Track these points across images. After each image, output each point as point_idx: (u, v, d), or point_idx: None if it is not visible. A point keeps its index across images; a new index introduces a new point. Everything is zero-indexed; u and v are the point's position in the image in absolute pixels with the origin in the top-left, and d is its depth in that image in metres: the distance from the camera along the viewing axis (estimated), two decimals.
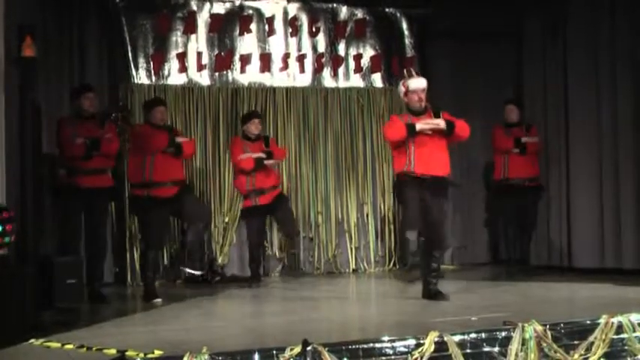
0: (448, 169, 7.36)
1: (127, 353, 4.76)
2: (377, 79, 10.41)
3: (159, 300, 7.68)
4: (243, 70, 9.85)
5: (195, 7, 9.70)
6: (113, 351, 4.90)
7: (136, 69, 9.44)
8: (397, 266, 10.19)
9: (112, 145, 8.00)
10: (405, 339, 5.16)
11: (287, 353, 4.83)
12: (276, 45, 10.01)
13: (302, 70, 10.10)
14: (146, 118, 8.19)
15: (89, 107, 7.95)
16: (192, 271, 7.92)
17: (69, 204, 7.83)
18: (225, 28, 9.81)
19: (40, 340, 5.44)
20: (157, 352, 4.80)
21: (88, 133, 7.80)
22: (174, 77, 9.59)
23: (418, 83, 7.37)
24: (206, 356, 4.67)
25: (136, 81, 9.43)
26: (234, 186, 9.27)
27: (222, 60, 9.78)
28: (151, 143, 7.86)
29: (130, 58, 9.42)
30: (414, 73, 7.48)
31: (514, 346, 5.30)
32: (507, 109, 9.57)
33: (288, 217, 9.12)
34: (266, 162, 8.78)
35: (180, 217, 8.60)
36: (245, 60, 9.85)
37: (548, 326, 5.42)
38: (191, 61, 9.65)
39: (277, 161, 9.07)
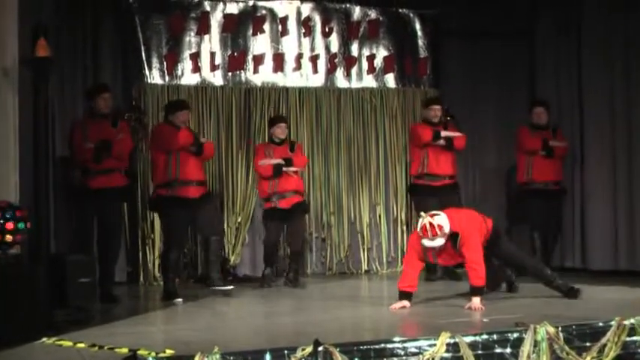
0: None
1: (138, 352, 4.76)
2: (390, 80, 10.39)
3: (179, 300, 7.64)
4: (256, 71, 9.85)
5: (208, 8, 9.71)
6: (125, 350, 4.91)
7: (150, 69, 9.46)
8: None
9: (125, 145, 7.99)
10: (416, 340, 5.16)
11: (298, 353, 4.83)
12: (290, 45, 10.01)
13: (315, 71, 10.10)
14: (167, 119, 8.12)
15: (104, 108, 7.95)
16: (224, 288, 7.87)
17: (82, 205, 7.87)
18: (238, 28, 9.81)
19: (52, 339, 5.46)
20: (169, 352, 4.81)
21: (100, 134, 7.79)
22: (188, 77, 9.60)
23: (432, 244, 6.75)
24: (217, 356, 4.67)
25: (149, 81, 9.44)
26: (258, 189, 9.19)
27: (236, 60, 9.79)
28: (176, 140, 7.80)
29: (144, 58, 9.43)
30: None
31: (526, 348, 5.28)
32: (537, 112, 9.33)
33: (298, 232, 8.94)
34: (285, 169, 8.67)
35: (193, 226, 8.39)
36: (258, 60, 9.85)
37: (560, 328, 5.41)
38: (204, 61, 9.66)
39: (297, 169, 8.87)
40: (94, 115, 7.95)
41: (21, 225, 5.57)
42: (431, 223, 6.63)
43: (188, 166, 7.88)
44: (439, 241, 6.68)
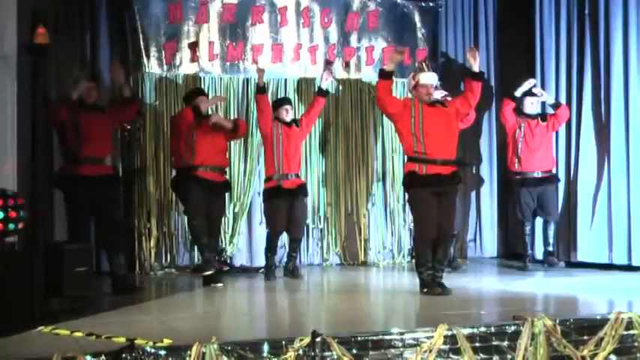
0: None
1: (136, 341, 4.77)
2: None
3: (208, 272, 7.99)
4: (254, 61, 9.82)
5: None
6: (122, 339, 4.91)
7: (148, 58, 9.41)
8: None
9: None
10: (414, 331, 5.17)
11: (296, 344, 4.84)
12: (288, 36, 9.97)
13: (314, 61, 10.07)
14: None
15: (87, 98, 7.85)
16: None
17: (71, 193, 7.75)
18: (237, 18, 9.77)
19: (49, 328, 5.46)
20: (166, 341, 4.81)
21: (88, 125, 7.70)
22: (186, 66, 9.56)
23: (429, 78, 7.37)
24: (215, 346, 4.68)
25: (147, 70, 9.40)
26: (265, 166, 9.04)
27: (234, 50, 9.75)
28: (179, 120, 8.31)
29: (142, 47, 9.38)
30: (425, 66, 7.42)
31: (523, 341, 5.30)
32: (532, 101, 9.40)
33: (301, 218, 8.92)
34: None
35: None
36: (257, 50, 9.83)
37: (557, 321, 5.42)
38: (203, 51, 9.63)
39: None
40: (82, 104, 7.85)
41: (18, 213, 5.56)
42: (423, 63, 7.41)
43: (203, 149, 8.16)
44: (434, 76, 7.44)
